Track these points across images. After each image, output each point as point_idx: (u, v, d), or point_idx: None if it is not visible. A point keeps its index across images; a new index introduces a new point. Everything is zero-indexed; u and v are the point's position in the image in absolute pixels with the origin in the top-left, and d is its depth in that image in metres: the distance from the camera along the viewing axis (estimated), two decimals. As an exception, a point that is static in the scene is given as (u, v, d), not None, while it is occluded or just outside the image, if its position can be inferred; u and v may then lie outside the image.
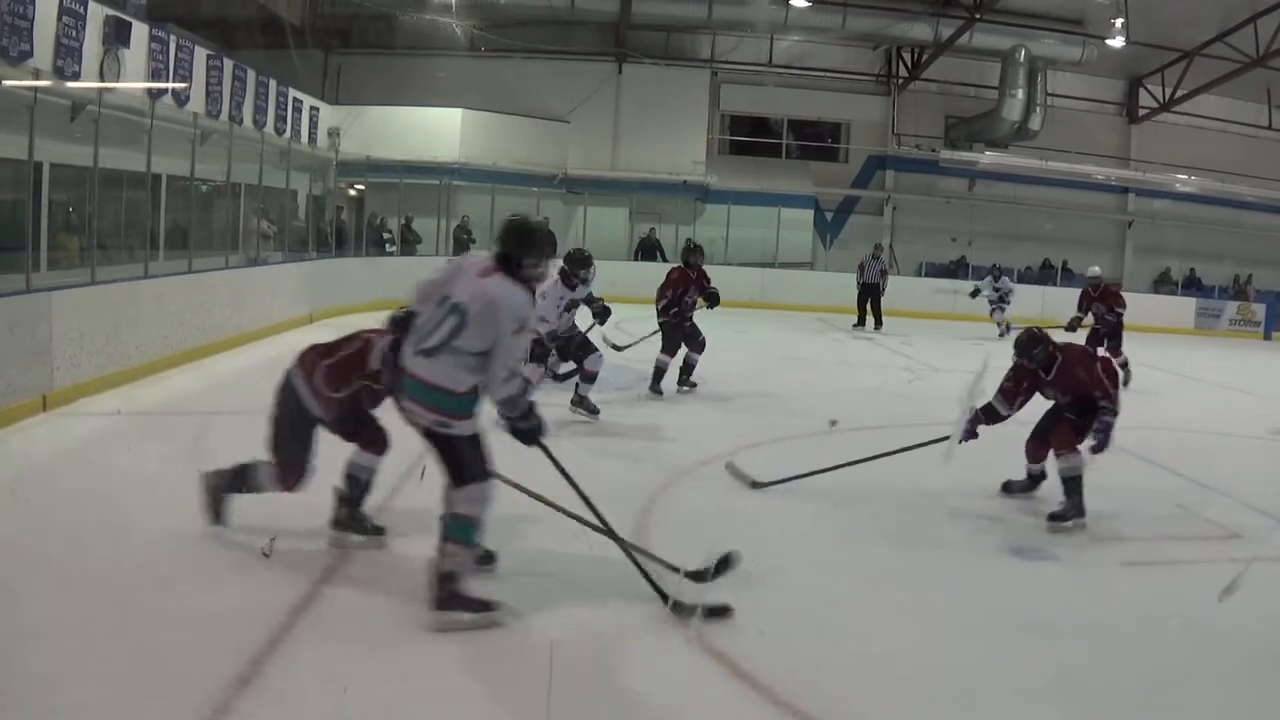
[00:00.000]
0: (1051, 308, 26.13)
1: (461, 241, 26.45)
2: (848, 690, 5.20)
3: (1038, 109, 31.87)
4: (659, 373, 13.33)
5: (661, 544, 6.83)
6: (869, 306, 24.33)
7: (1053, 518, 8.23)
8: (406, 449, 6.53)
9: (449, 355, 5.48)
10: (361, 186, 25.96)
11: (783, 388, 14.75)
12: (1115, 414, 8.24)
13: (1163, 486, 9.97)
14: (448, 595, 5.52)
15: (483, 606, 5.58)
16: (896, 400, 14.30)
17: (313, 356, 6.61)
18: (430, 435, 5.60)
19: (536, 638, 5.46)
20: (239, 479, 6.61)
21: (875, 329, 23.91)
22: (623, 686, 5.06)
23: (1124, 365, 16.22)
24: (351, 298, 20.66)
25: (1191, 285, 34.76)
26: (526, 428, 5.73)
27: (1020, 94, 31.24)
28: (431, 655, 5.21)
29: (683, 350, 13.58)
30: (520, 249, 5.68)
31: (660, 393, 13.25)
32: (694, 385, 13.80)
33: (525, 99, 29.81)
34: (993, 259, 31.61)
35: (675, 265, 14.23)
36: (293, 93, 23.09)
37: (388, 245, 25.30)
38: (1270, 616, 6.49)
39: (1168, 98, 34.27)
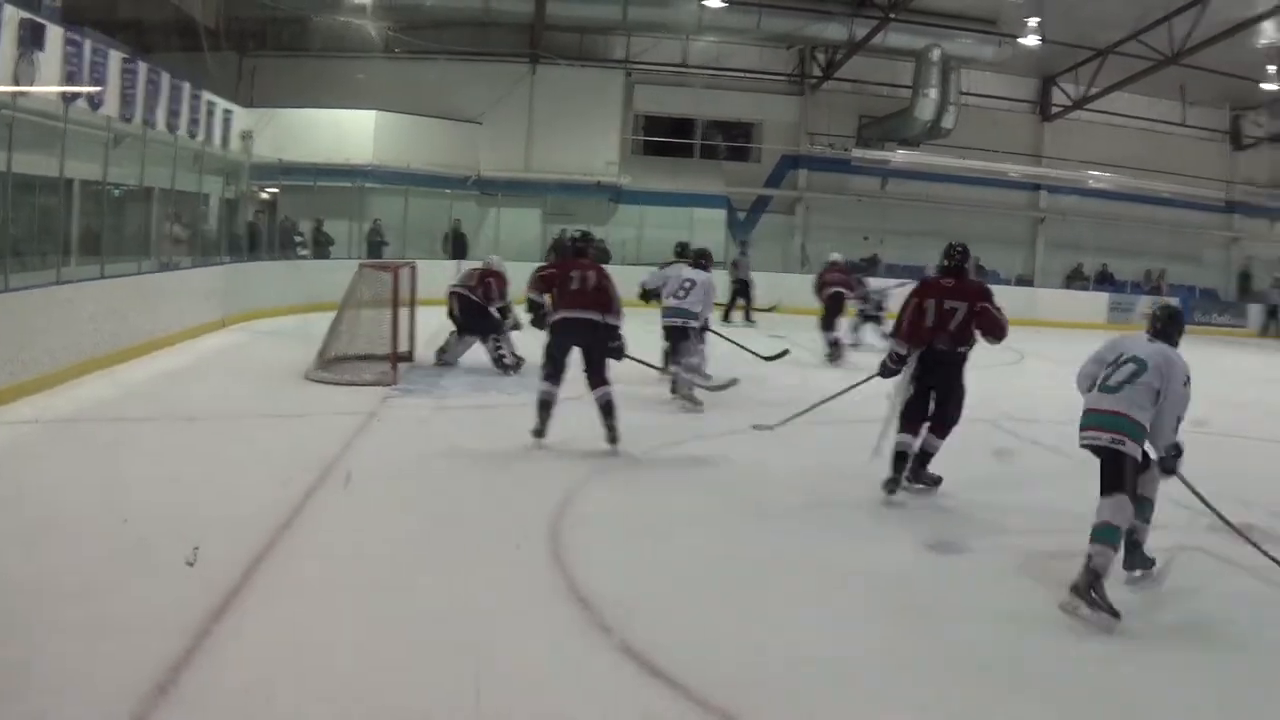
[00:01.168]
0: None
1: (374, 244, 27.01)
2: (764, 683, 5.37)
3: (951, 108, 32.56)
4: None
5: (573, 539, 7.37)
6: (742, 302, 26.10)
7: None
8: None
9: (1130, 392, 6.86)
10: (275, 189, 26.37)
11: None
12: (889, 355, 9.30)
13: (1077, 479, 9.97)
14: (1086, 586, 6.49)
15: (1108, 611, 6.41)
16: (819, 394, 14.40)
17: None
18: (1105, 451, 6.90)
19: (462, 638, 5.63)
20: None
21: (746, 321, 25.35)
22: (544, 685, 5.22)
23: (834, 344, 18.41)
24: (265, 301, 21.16)
25: (1104, 281, 35.81)
26: (1175, 466, 7.11)
27: (933, 93, 31.94)
28: (355, 663, 5.28)
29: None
30: (1177, 331, 7.30)
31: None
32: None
33: (439, 100, 30.28)
34: (905, 258, 32.36)
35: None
36: (206, 95, 23.27)
37: (299, 248, 25.71)
38: (1182, 602, 6.92)
39: (1081, 95, 35.20)
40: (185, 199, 20.22)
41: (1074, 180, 36.02)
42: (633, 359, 11.91)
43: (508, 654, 5.48)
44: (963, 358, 9.13)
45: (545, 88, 32.10)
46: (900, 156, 34.30)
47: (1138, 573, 7.21)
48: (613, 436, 10.36)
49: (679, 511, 8.61)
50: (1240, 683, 5.80)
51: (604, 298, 10.42)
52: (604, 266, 10.84)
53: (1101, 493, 6.81)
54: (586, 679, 5.31)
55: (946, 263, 9.16)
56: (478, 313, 15.39)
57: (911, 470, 9.19)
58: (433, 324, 16.67)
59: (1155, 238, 36.93)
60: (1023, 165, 36.10)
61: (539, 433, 10.44)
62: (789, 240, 34.53)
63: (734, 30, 31.59)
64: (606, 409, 10.38)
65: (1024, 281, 35.45)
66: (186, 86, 21.81)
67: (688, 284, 13.72)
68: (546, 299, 10.72)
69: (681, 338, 13.59)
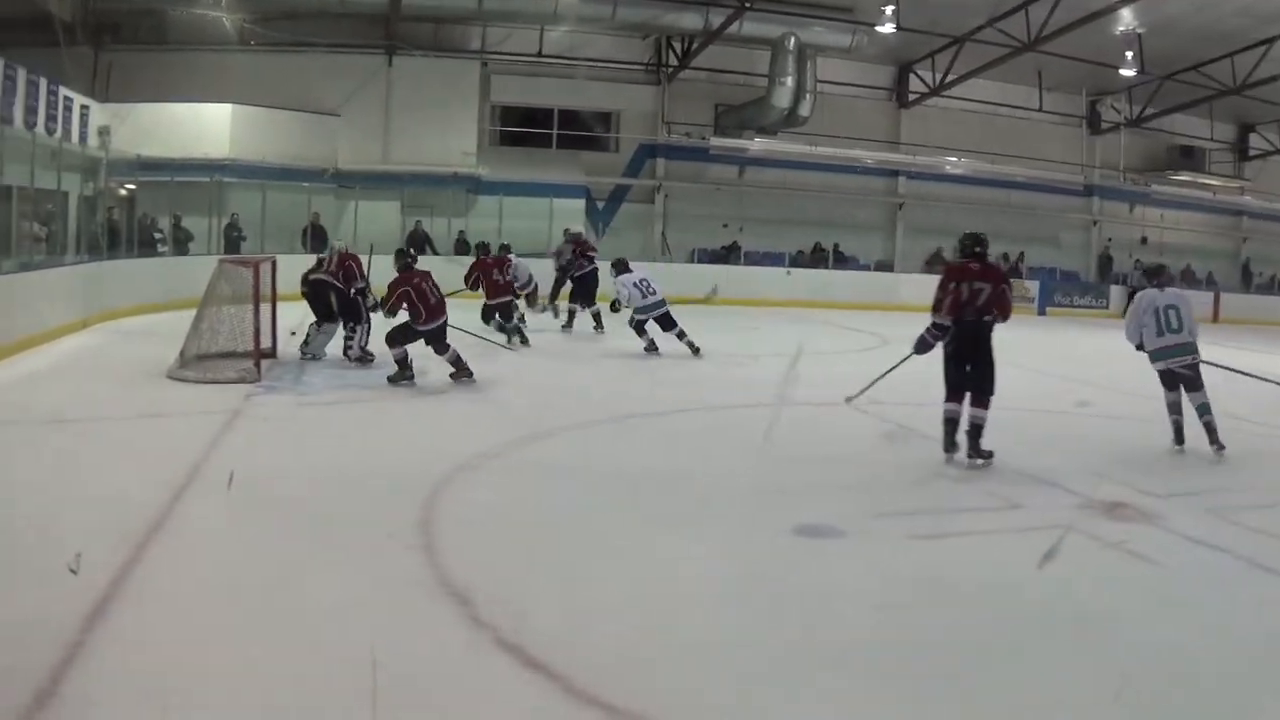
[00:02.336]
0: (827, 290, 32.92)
1: (232, 240, 28.13)
2: (644, 673, 5.52)
3: (807, 95, 34.42)
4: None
5: (447, 534, 7.63)
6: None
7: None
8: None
9: (1188, 328, 11.74)
10: (133, 186, 27.02)
11: (575, 381, 16.48)
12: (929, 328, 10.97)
13: (943, 460, 10.77)
14: (1216, 434, 11.63)
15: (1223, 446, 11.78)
16: (681, 385, 16.00)
17: None
18: (1192, 367, 11.74)
19: (344, 637, 5.76)
20: None
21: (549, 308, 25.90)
22: (430, 684, 5.28)
23: (596, 315, 21.36)
24: (126, 300, 21.83)
25: (965, 264, 37.62)
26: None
27: (790, 81, 33.72)
28: (238, 665, 5.39)
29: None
30: (1167, 277, 13.35)
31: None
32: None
33: (295, 93, 31.38)
34: (764, 245, 35.28)
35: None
36: (63, 91, 24.01)
37: (159, 245, 26.77)
38: (1061, 583, 7.07)
39: (938, 82, 37.67)
40: (44, 197, 20.95)
41: (932, 166, 38.51)
42: (461, 330, 16.26)
43: (389, 653, 5.43)
44: (989, 327, 10.65)
45: (402, 79, 33.38)
46: (758, 144, 36.42)
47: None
48: (469, 375, 14.86)
49: (546, 502, 8.98)
50: (1133, 672, 5.76)
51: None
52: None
53: (1190, 389, 11.69)
54: (471, 675, 5.43)
55: (978, 249, 10.84)
56: (343, 297, 16.33)
57: (970, 446, 10.61)
58: (294, 319, 17.57)
59: (1014, 221, 39.41)
60: (880, 152, 38.31)
61: (410, 379, 14.67)
62: (649, 229, 36.75)
63: (590, 20, 32.51)
64: (455, 362, 14.90)
65: (884, 267, 37.88)
66: (44, 82, 22.66)
67: (645, 283, 18.84)
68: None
69: (667, 320, 18.88)
